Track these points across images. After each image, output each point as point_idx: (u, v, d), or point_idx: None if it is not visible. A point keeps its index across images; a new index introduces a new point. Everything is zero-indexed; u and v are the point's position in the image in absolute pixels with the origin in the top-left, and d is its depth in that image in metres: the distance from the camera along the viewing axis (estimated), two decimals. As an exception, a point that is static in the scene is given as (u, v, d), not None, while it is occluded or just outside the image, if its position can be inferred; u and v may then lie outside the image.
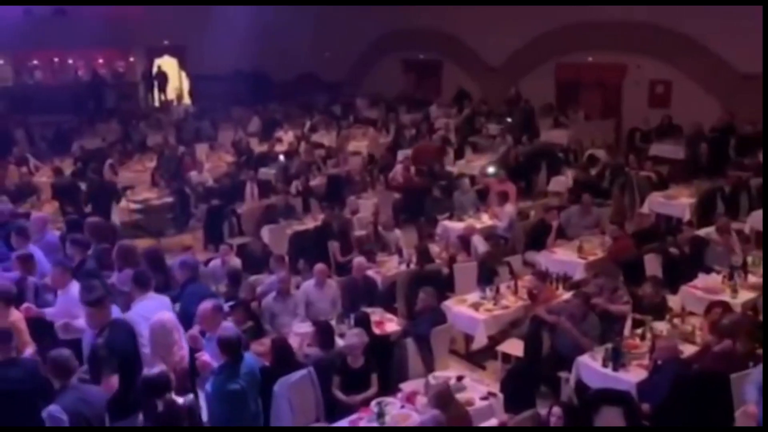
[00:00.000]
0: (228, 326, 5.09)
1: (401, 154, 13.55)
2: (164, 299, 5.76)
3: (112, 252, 6.66)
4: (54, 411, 3.85)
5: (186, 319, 5.69)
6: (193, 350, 5.20)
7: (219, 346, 4.66)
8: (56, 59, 21.76)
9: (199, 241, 10.82)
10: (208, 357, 4.85)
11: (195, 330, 5.35)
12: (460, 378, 5.74)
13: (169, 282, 6.56)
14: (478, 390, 5.60)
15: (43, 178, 12.65)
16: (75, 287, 5.80)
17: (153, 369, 4.32)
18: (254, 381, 4.76)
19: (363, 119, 18.15)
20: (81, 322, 5.52)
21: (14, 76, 21.04)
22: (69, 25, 19.02)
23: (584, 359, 6.01)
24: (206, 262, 8.44)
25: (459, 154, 14.17)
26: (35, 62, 21.36)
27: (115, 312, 5.22)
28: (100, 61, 22.14)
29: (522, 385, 5.75)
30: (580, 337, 6.24)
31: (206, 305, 5.29)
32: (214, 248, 10.03)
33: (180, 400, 4.26)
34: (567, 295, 7.14)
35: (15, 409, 4.20)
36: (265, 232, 9.77)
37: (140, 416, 4.50)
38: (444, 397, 4.85)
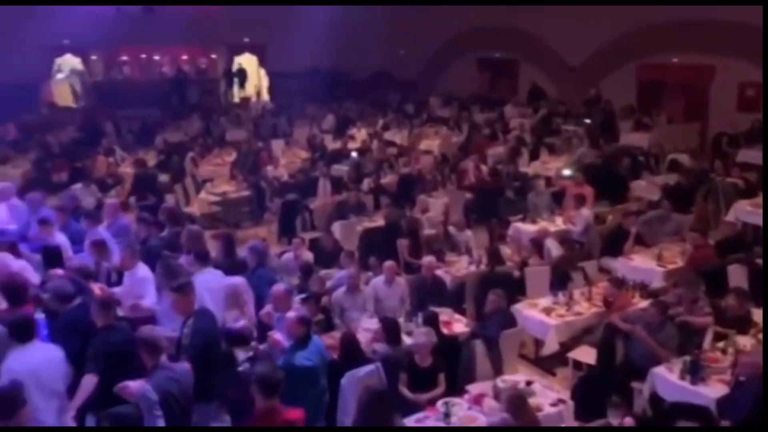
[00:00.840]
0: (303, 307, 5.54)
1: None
2: (220, 273, 6.25)
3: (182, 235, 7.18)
4: (145, 390, 4.05)
5: (256, 300, 6.15)
6: (266, 328, 5.56)
7: (298, 322, 5.06)
8: (143, 56, 22.70)
9: (273, 234, 11.08)
10: (279, 336, 5.21)
11: (269, 308, 5.80)
12: (529, 383, 5.64)
13: (239, 267, 6.91)
14: (548, 396, 5.49)
15: (128, 168, 13.26)
16: (142, 269, 6.25)
17: (237, 323, 4.52)
18: (323, 360, 5.21)
19: (436, 118, 18.10)
20: (147, 301, 6.02)
21: (105, 71, 22.10)
22: (156, 23, 19.82)
23: (660, 370, 5.79)
24: (279, 255, 8.64)
25: (534, 155, 13.92)
26: (124, 58, 22.35)
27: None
28: (184, 57, 22.95)
29: (594, 393, 5.60)
30: (656, 348, 6.02)
31: (279, 287, 5.82)
32: (287, 241, 10.27)
33: (261, 347, 4.75)
34: (644, 304, 6.89)
35: (116, 369, 4.50)
36: (336, 228, 9.89)
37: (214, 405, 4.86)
38: (517, 402, 4.76)
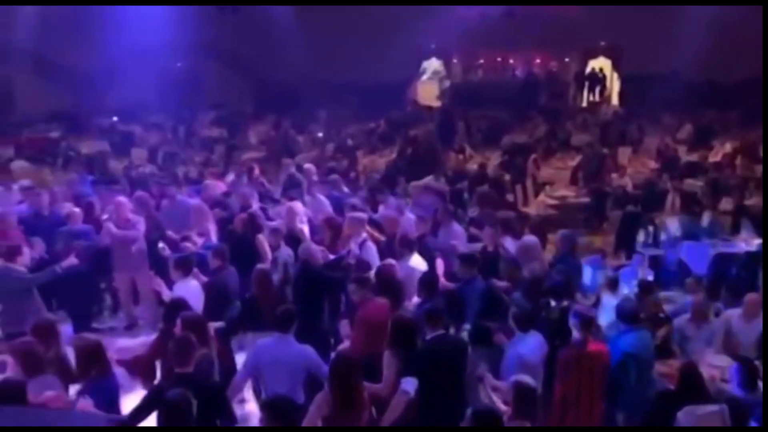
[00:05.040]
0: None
1: None
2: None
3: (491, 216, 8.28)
4: None
5: (565, 287, 6.36)
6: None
7: (619, 315, 5.45)
8: (499, 59, 23.73)
9: (609, 245, 10.60)
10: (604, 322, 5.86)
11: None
12: None
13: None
14: None
15: (474, 166, 14.04)
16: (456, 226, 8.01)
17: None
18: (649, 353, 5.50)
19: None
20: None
21: (462, 73, 23.69)
22: (514, 26, 20.48)
23: None
24: (617, 269, 8.26)
25: None
26: (481, 61, 23.66)
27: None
28: (537, 61, 23.33)
29: None
30: None
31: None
32: (624, 255, 9.76)
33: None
34: None
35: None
36: (684, 248, 9.05)
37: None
38: None
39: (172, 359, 4.43)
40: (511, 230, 7.71)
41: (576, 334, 5.06)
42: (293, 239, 7.44)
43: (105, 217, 8.30)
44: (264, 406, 4.13)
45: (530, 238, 7.45)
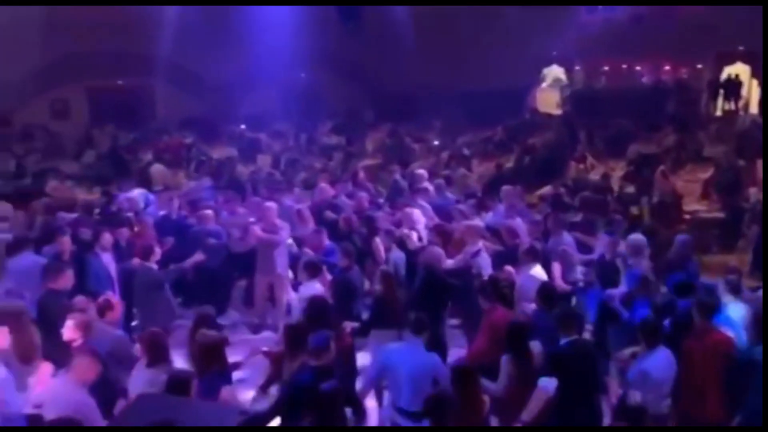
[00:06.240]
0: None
1: None
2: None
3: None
4: None
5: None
6: None
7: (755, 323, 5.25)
8: (624, 65, 22.72)
9: (745, 264, 9.83)
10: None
11: None
12: None
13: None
14: None
15: (597, 176, 13.49)
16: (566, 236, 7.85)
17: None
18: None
19: None
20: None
21: (585, 80, 22.91)
22: (642, 31, 19.53)
23: None
24: (753, 290, 7.64)
25: None
26: (606, 68, 22.75)
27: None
28: (666, 67, 22.13)
29: None
30: None
31: None
32: (760, 275, 9.03)
33: None
34: None
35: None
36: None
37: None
38: None
39: (310, 353, 4.59)
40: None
41: (698, 322, 5.20)
42: (400, 243, 7.63)
43: (252, 220, 8.64)
44: (431, 401, 4.27)
45: (638, 236, 7.27)
